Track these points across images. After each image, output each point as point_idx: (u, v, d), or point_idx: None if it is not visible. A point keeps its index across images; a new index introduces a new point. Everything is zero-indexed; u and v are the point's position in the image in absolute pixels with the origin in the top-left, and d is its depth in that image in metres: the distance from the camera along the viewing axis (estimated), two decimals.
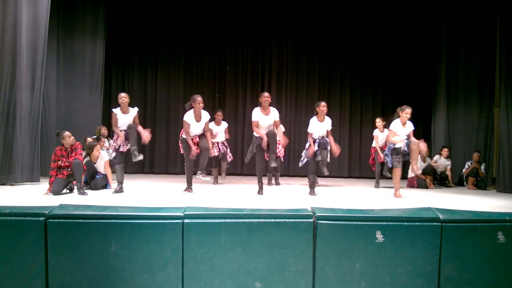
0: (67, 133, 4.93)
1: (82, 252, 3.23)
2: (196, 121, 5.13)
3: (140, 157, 5.08)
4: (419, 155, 6.95)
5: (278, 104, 8.53)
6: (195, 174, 5.15)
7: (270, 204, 4.25)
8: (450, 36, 7.82)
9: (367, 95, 9.25)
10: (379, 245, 3.35)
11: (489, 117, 7.57)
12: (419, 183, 6.78)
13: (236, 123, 9.12)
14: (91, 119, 7.68)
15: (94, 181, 5.45)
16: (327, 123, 5.33)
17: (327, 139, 5.24)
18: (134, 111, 5.19)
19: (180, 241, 3.26)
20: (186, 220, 3.28)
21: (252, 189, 5.98)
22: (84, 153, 5.53)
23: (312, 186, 5.31)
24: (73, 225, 3.24)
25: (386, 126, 6.09)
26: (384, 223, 3.39)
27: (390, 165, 5.42)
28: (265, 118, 5.15)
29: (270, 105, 5.15)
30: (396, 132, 5.20)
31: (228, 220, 3.32)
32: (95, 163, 5.55)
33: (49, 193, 4.71)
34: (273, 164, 5.09)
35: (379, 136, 6.72)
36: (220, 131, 6.77)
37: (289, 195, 5.20)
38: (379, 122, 6.75)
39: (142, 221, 3.28)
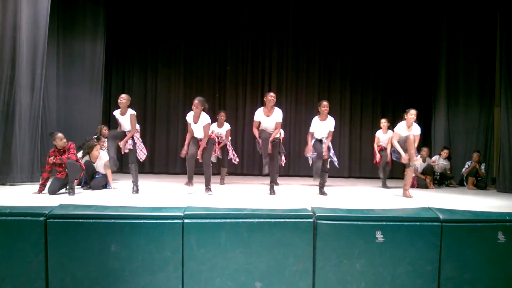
0: (59, 135, 4.91)
1: (82, 252, 3.23)
2: (194, 122, 5.13)
3: (114, 168, 5.02)
4: (419, 156, 6.99)
5: (278, 104, 8.45)
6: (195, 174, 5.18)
7: (270, 204, 4.25)
8: (450, 36, 7.82)
9: (367, 96, 9.26)
10: (379, 245, 3.35)
11: (489, 117, 7.57)
12: (419, 183, 6.78)
13: (236, 123, 9.12)
14: (91, 119, 7.67)
15: (94, 180, 5.45)
16: (329, 123, 5.30)
17: (322, 148, 5.15)
18: (128, 114, 5.18)
19: (180, 241, 3.25)
20: (186, 220, 3.28)
21: (252, 189, 5.98)
22: (80, 153, 5.53)
23: (321, 186, 5.33)
24: (73, 225, 3.24)
25: (391, 127, 6.07)
26: (384, 223, 3.39)
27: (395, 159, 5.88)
28: (266, 119, 5.18)
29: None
30: (400, 134, 5.26)
31: (228, 220, 3.32)
32: (94, 163, 5.55)
33: (37, 193, 4.74)
34: (266, 171, 5.03)
35: (381, 137, 6.68)
36: (222, 133, 6.67)
37: (289, 195, 5.19)
38: (384, 122, 6.66)
39: (142, 221, 3.28)
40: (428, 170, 6.84)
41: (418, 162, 6.94)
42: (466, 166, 7.05)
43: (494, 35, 7.13)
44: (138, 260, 3.25)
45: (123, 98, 5.19)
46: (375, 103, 9.22)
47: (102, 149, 6.42)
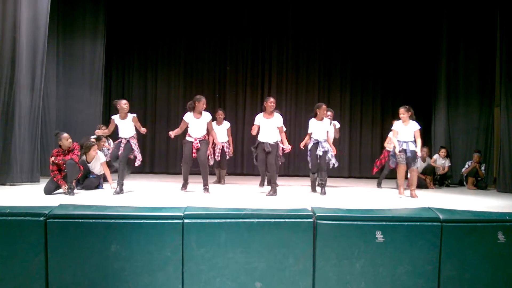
0: (65, 135, 4.92)
1: (82, 252, 3.23)
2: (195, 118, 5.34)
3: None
4: (420, 156, 6.99)
5: (278, 104, 8.47)
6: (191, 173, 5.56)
7: (270, 204, 4.25)
8: (450, 36, 7.82)
9: (367, 96, 9.25)
10: (379, 245, 3.35)
11: (489, 117, 7.56)
12: (419, 183, 6.77)
13: (236, 123, 9.12)
14: (91, 118, 7.67)
15: (87, 180, 5.43)
16: (326, 123, 5.53)
17: (326, 146, 5.49)
18: (130, 118, 5.30)
19: (180, 241, 3.26)
20: (186, 220, 3.28)
21: (252, 189, 5.98)
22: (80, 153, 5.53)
23: (323, 185, 5.46)
24: (73, 225, 3.25)
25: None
26: (384, 223, 3.40)
27: (393, 166, 5.83)
28: (266, 122, 5.25)
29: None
30: (398, 131, 5.42)
31: (228, 220, 3.32)
32: (89, 163, 5.53)
33: (66, 187, 4.82)
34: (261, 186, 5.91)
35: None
36: (222, 131, 6.55)
37: (289, 195, 5.20)
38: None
39: (142, 221, 3.28)
40: (428, 170, 6.84)
41: (418, 162, 6.95)
42: (466, 166, 7.05)
43: (494, 35, 7.12)
44: (138, 260, 3.25)
45: (124, 104, 5.29)
46: (375, 103, 9.22)
47: (102, 150, 6.43)
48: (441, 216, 3.45)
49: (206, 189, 5.27)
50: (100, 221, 3.26)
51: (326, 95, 9.24)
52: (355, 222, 3.39)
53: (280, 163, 6.16)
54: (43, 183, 5.32)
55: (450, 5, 7.85)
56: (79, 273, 3.24)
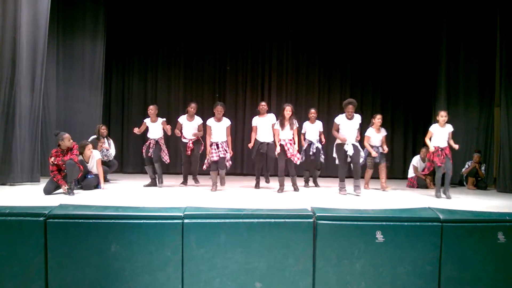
0: (67, 135, 4.93)
1: (82, 252, 3.23)
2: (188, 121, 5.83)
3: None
4: (419, 156, 7.00)
5: (278, 104, 8.53)
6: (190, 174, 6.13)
7: (270, 204, 4.25)
8: (450, 36, 7.81)
9: (367, 96, 9.25)
10: (379, 245, 3.35)
11: (490, 117, 7.56)
12: (419, 183, 6.79)
13: (236, 123, 9.12)
14: (91, 119, 7.67)
15: (86, 180, 5.44)
16: (318, 125, 6.50)
17: (320, 147, 6.43)
18: (160, 121, 6.03)
19: (180, 241, 3.26)
20: (186, 220, 3.28)
21: (252, 189, 5.98)
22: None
23: (307, 180, 6.53)
24: (73, 225, 3.25)
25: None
26: (384, 223, 3.40)
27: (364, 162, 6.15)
28: (262, 121, 5.94)
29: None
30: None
31: (228, 220, 3.32)
32: (87, 163, 5.53)
33: (66, 187, 4.83)
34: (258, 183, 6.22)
35: (438, 132, 5.41)
36: (220, 129, 5.83)
37: (289, 195, 5.20)
38: (443, 116, 5.41)
39: (142, 221, 3.28)
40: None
41: (418, 162, 6.95)
42: (466, 166, 7.05)
43: (494, 35, 7.12)
44: (138, 260, 3.25)
45: (152, 109, 6.04)
46: (375, 104, 9.21)
47: (102, 150, 6.43)
48: (441, 216, 3.45)
49: (195, 179, 6.47)
50: (100, 221, 3.26)
51: (326, 96, 9.24)
52: (355, 222, 3.39)
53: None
54: (43, 183, 5.32)
55: (450, 5, 7.84)
56: (79, 273, 3.24)
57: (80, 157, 5.49)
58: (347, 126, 5.39)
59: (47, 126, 7.03)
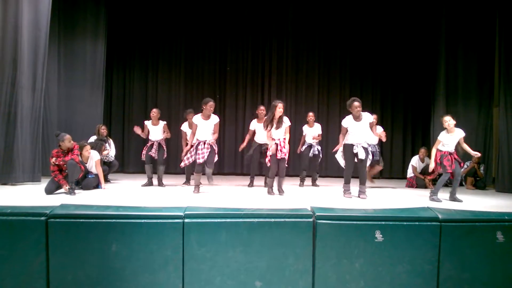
0: (68, 136, 4.94)
1: (83, 252, 3.24)
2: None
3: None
4: (418, 157, 7.01)
5: None
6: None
7: (270, 204, 4.27)
8: (449, 36, 7.83)
9: (367, 96, 9.25)
10: (378, 245, 3.36)
11: (488, 117, 7.58)
12: (418, 183, 6.80)
13: (236, 123, 9.15)
14: (92, 119, 7.68)
15: (86, 180, 5.45)
16: (317, 128, 6.57)
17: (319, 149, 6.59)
18: (161, 124, 6.11)
19: (180, 240, 3.27)
20: (186, 220, 3.30)
21: (252, 189, 6.00)
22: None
23: (302, 180, 6.57)
24: (74, 225, 3.26)
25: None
26: (383, 222, 3.41)
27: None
28: (261, 126, 5.80)
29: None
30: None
31: (228, 220, 3.34)
32: (86, 163, 5.55)
33: (67, 187, 4.82)
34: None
35: (448, 140, 4.98)
36: (209, 127, 5.28)
37: (289, 195, 5.21)
38: (449, 120, 4.95)
39: (142, 220, 3.29)
40: (427, 170, 6.84)
41: (417, 163, 6.97)
42: (465, 166, 7.06)
43: (493, 35, 7.14)
44: (139, 259, 3.26)
45: (155, 112, 6.12)
46: (374, 103, 9.23)
47: (104, 151, 6.43)
48: (440, 216, 3.46)
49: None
50: (101, 220, 3.27)
51: (325, 95, 9.26)
52: (355, 222, 3.40)
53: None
54: (44, 183, 5.33)
55: (449, 5, 7.86)
56: (80, 273, 3.25)
57: (80, 158, 5.51)
58: (356, 127, 4.88)
59: (48, 126, 7.05)
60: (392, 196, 5.42)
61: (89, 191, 5.27)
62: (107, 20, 8.18)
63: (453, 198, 4.94)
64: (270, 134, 5.15)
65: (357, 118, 4.89)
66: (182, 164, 5.47)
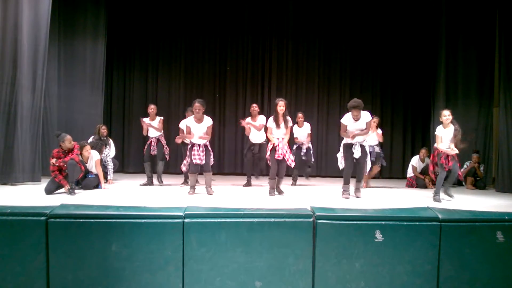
0: (68, 137, 4.95)
1: (83, 252, 3.24)
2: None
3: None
4: (419, 157, 7.01)
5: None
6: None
7: (270, 204, 4.27)
8: (449, 36, 7.83)
9: (367, 96, 9.22)
10: (378, 245, 3.36)
11: (488, 117, 7.57)
12: (418, 183, 6.80)
13: (236, 123, 9.13)
14: (92, 119, 7.68)
15: (86, 180, 5.45)
16: (307, 128, 6.68)
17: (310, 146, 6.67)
18: (157, 120, 6.22)
19: (180, 240, 3.27)
20: (186, 220, 3.30)
21: (252, 189, 6.00)
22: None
23: (295, 179, 6.68)
24: (74, 225, 3.26)
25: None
26: (383, 222, 3.41)
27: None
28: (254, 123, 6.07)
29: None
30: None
31: (229, 220, 3.34)
32: (86, 163, 5.55)
33: (67, 187, 4.84)
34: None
35: (444, 134, 5.02)
36: (201, 130, 5.14)
37: (289, 195, 5.21)
38: (448, 115, 4.99)
39: (143, 220, 3.29)
40: (427, 170, 6.84)
41: (417, 163, 6.97)
42: (465, 166, 7.07)
43: (493, 35, 7.14)
44: (139, 259, 3.26)
45: (152, 109, 6.25)
46: (374, 103, 9.23)
47: (104, 151, 6.43)
48: (440, 216, 3.46)
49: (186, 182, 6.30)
50: (101, 220, 3.27)
51: (325, 95, 9.27)
52: (355, 222, 3.40)
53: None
54: (44, 182, 5.34)
55: (449, 5, 7.85)
56: (80, 273, 3.25)
57: (80, 157, 5.51)
58: (355, 126, 4.93)
59: (48, 126, 7.05)
60: (392, 196, 5.42)
61: (89, 191, 5.27)
62: (107, 20, 8.18)
63: (445, 192, 5.03)
64: (270, 131, 5.09)
65: (355, 117, 4.92)
66: (184, 169, 5.42)
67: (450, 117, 4.97)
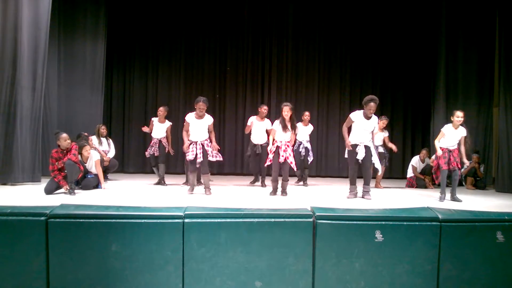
0: (64, 135, 4.94)
1: (83, 252, 3.25)
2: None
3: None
4: (419, 157, 7.01)
5: (278, 104, 8.54)
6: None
7: (270, 204, 4.27)
8: (449, 36, 7.83)
9: (366, 94, 9.25)
10: (378, 245, 3.36)
11: (488, 117, 7.57)
12: (418, 183, 6.80)
13: (236, 123, 9.14)
14: (92, 119, 7.67)
15: (85, 180, 5.44)
16: (309, 128, 6.67)
17: (309, 147, 6.58)
18: (166, 124, 6.33)
19: (180, 240, 3.27)
20: (186, 220, 3.30)
21: (252, 189, 6.00)
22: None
23: (300, 178, 6.77)
24: (74, 225, 3.26)
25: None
26: (383, 222, 3.41)
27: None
28: (259, 124, 6.19)
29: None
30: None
31: (228, 220, 3.34)
32: (86, 163, 5.55)
33: (67, 187, 4.84)
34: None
35: (451, 134, 5.02)
36: (201, 127, 5.12)
37: (289, 195, 5.21)
38: (459, 116, 4.96)
39: (142, 220, 3.29)
40: (427, 171, 6.85)
41: (417, 163, 6.97)
42: (465, 166, 7.06)
43: (493, 35, 7.14)
44: (139, 259, 3.26)
45: (161, 111, 6.30)
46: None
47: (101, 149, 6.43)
48: (440, 216, 3.47)
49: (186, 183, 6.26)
50: (101, 220, 3.27)
51: (325, 95, 9.27)
52: (355, 222, 3.40)
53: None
54: (44, 183, 5.33)
55: (449, 5, 7.86)
56: (80, 273, 3.25)
57: (80, 157, 5.51)
58: (363, 125, 4.86)
59: (48, 126, 7.04)
60: (392, 196, 5.42)
61: (89, 191, 5.27)
62: (107, 20, 8.17)
63: (453, 198, 4.95)
64: (274, 133, 5.05)
65: (367, 117, 4.91)
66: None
67: (462, 119, 4.93)
